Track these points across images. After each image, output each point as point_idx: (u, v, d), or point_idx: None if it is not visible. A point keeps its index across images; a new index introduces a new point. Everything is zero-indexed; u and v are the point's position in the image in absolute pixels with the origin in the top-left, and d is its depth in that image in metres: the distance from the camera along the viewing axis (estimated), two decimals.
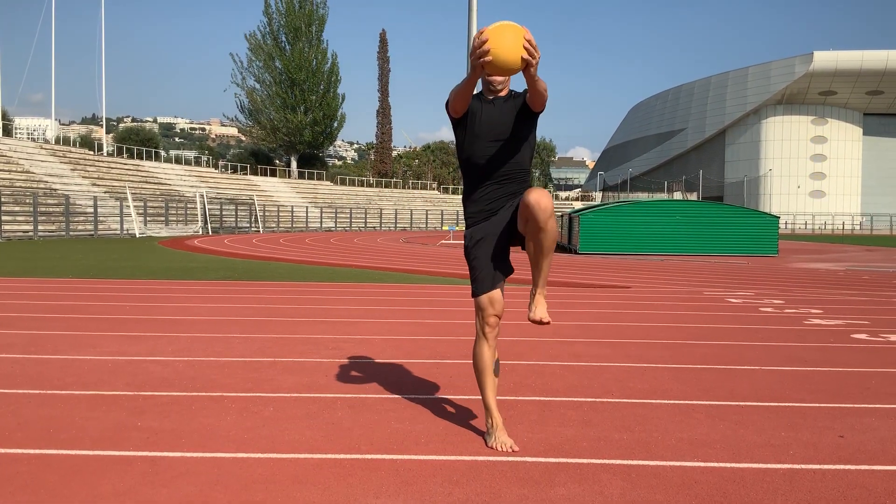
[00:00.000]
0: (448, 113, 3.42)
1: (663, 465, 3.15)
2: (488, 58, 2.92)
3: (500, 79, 3.37)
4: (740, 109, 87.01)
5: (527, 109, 3.36)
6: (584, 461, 3.20)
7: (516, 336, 6.39)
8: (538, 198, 3.09)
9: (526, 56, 2.93)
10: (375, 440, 3.46)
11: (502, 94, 3.42)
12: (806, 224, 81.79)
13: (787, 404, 4.25)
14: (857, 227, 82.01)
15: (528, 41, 2.91)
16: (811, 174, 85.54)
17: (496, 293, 3.42)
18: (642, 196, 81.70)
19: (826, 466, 3.16)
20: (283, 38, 66.18)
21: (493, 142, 3.37)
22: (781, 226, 55.01)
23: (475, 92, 3.43)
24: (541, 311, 3.34)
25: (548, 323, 3.32)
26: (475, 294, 3.46)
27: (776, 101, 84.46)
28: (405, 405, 4.13)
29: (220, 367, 5.14)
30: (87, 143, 55.23)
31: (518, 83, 3.50)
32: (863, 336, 6.86)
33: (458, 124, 3.44)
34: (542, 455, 3.27)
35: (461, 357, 5.57)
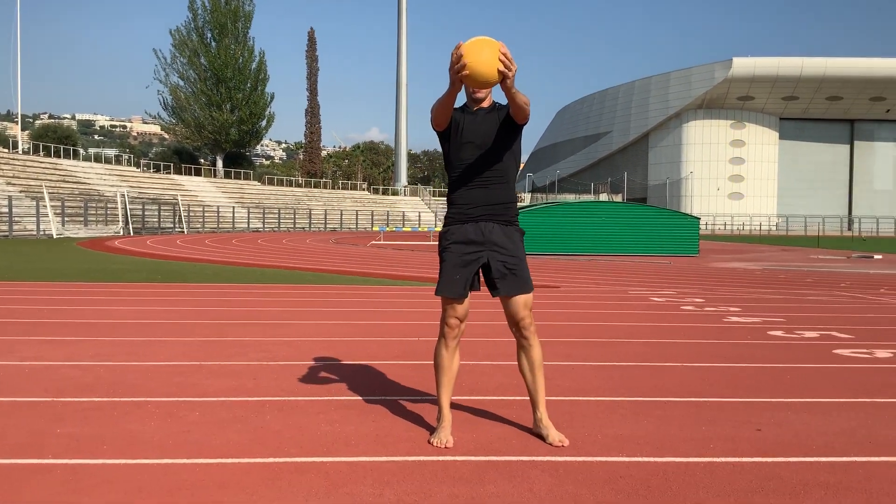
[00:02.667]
0: (433, 126, 3.52)
1: (590, 461, 3.22)
2: (466, 72, 3.04)
3: (482, 93, 3.48)
4: (663, 113, 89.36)
5: (510, 121, 3.46)
6: (514, 459, 3.24)
7: None
8: (524, 315, 3.55)
9: (502, 69, 3.04)
10: (304, 443, 3.43)
11: (485, 105, 3.52)
12: (725, 225, 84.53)
13: (707, 399, 4.39)
14: (774, 228, 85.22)
15: (504, 55, 3.04)
16: (730, 176, 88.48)
17: (457, 297, 3.50)
18: (570, 197, 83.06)
19: (744, 459, 3.28)
20: (209, 35, 64.85)
21: (476, 150, 3.47)
22: (702, 226, 56.63)
23: (459, 105, 3.53)
24: (554, 434, 3.48)
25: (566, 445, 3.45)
26: (436, 292, 3.57)
27: (697, 106, 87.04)
28: (335, 407, 4.10)
29: (143, 371, 5.01)
30: (2, 140, 52.91)
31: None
32: (779, 333, 7.13)
33: (443, 136, 3.55)
34: (472, 454, 3.29)
35: (393, 358, 5.56)
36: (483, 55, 3.02)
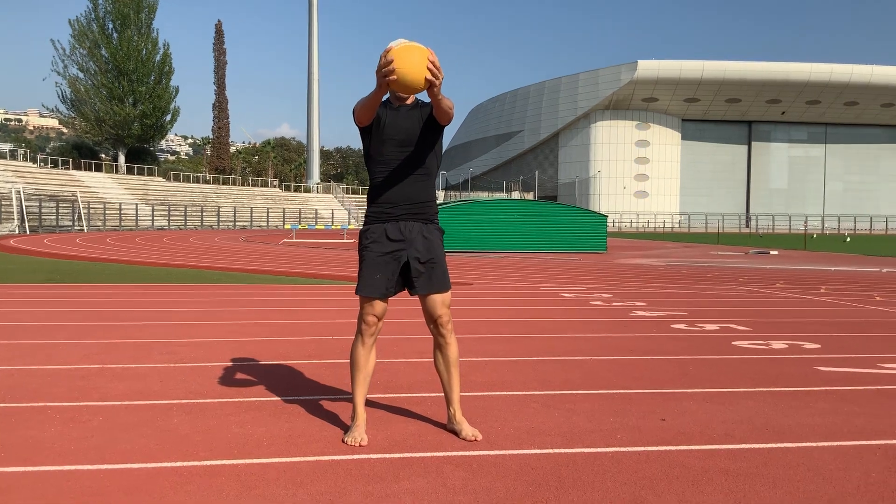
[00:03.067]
0: (354, 121, 3.51)
1: (502, 454, 3.27)
2: (393, 77, 3.07)
3: None
4: (572, 114, 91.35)
5: (433, 121, 3.50)
6: (428, 455, 3.26)
7: None
8: (442, 313, 3.53)
9: (429, 77, 3.08)
10: (215, 446, 3.36)
11: (408, 102, 3.55)
12: (631, 223, 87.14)
13: (614, 391, 4.52)
14: (677, 226, 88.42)
15: (433, 63, 3.08)
16: (635, 175, 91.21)
17: (377, 296, 3.51)
18: (482, 195, 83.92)
19: (650, 448, 3.39)
20: (110, 25, 62.42)
21: (397, 147, 3.49)
22: (609, 224, 58.21)
23: (383, 100, 3.54)
24: (468, 429, 3.53)
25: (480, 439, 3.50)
26: (356, 291, 3.58)
27: (604, 107, 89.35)
28: (247, 408, 4.03)
29: (42, 375, 4.79)
30: None
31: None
32: (681, 326, 7.41)
33: (365, 131, 3.55)
34: (386, 451, 3.30)
35: (305, 357, 5.51)
36: (411, 61, 3.06)
